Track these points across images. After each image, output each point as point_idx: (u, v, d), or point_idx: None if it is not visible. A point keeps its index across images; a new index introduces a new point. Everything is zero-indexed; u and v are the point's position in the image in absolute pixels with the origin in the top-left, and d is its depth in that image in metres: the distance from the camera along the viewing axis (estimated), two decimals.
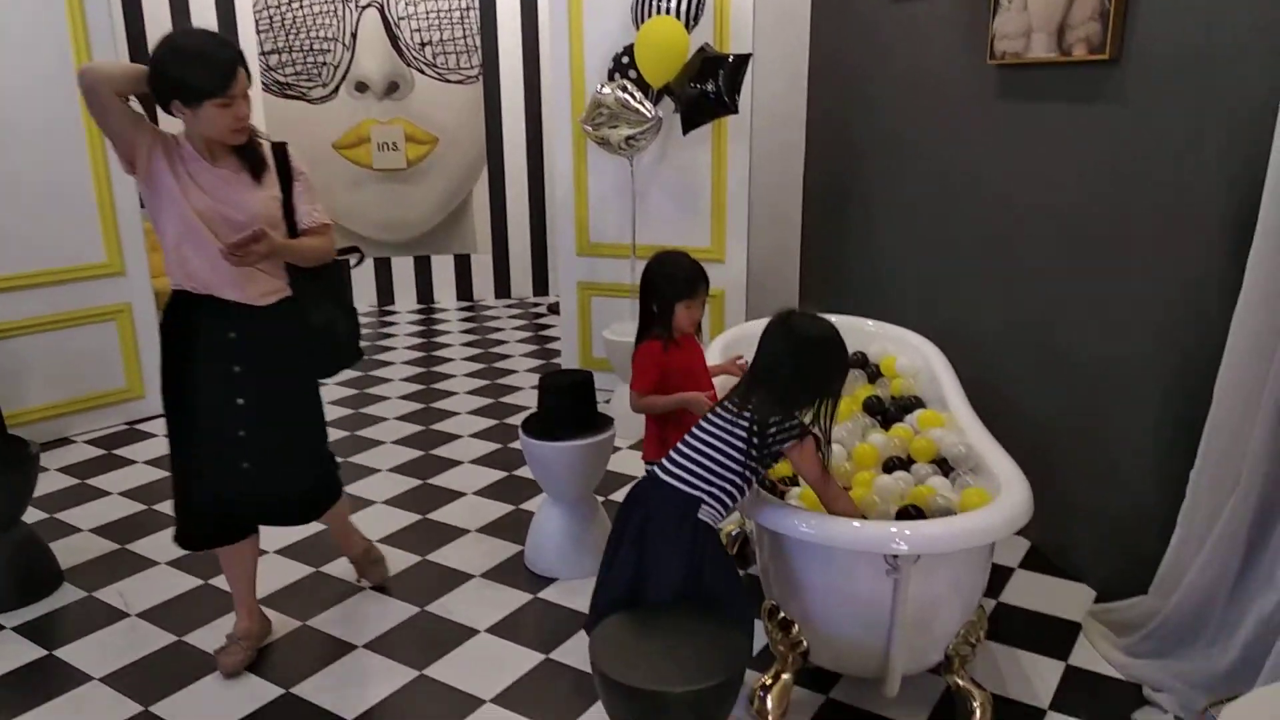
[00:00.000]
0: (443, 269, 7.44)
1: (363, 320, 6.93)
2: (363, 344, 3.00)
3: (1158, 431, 2.82)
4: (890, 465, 2.83)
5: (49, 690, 2.73)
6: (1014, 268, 3.46)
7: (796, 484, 2.74)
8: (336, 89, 6.91)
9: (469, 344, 6.36)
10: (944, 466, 2.79)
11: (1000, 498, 2.36)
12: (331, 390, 5.38)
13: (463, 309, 7.37)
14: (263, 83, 6.77)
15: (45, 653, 2.92)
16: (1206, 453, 2.47)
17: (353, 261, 2.89)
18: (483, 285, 7.54)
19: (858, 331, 3.59)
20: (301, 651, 2.90)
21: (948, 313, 3.92)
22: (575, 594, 3.19)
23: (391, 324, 6.93)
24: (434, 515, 3.81)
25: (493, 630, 3.00)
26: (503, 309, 7.33)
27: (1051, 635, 2.90)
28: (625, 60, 4.48)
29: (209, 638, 2.95)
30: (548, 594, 3.21)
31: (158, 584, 3.31)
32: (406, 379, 5.62)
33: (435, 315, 7.18)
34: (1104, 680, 2.68)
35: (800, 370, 2.29)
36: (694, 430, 2.35)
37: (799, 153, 5.48)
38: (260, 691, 2.71)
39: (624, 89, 4.21)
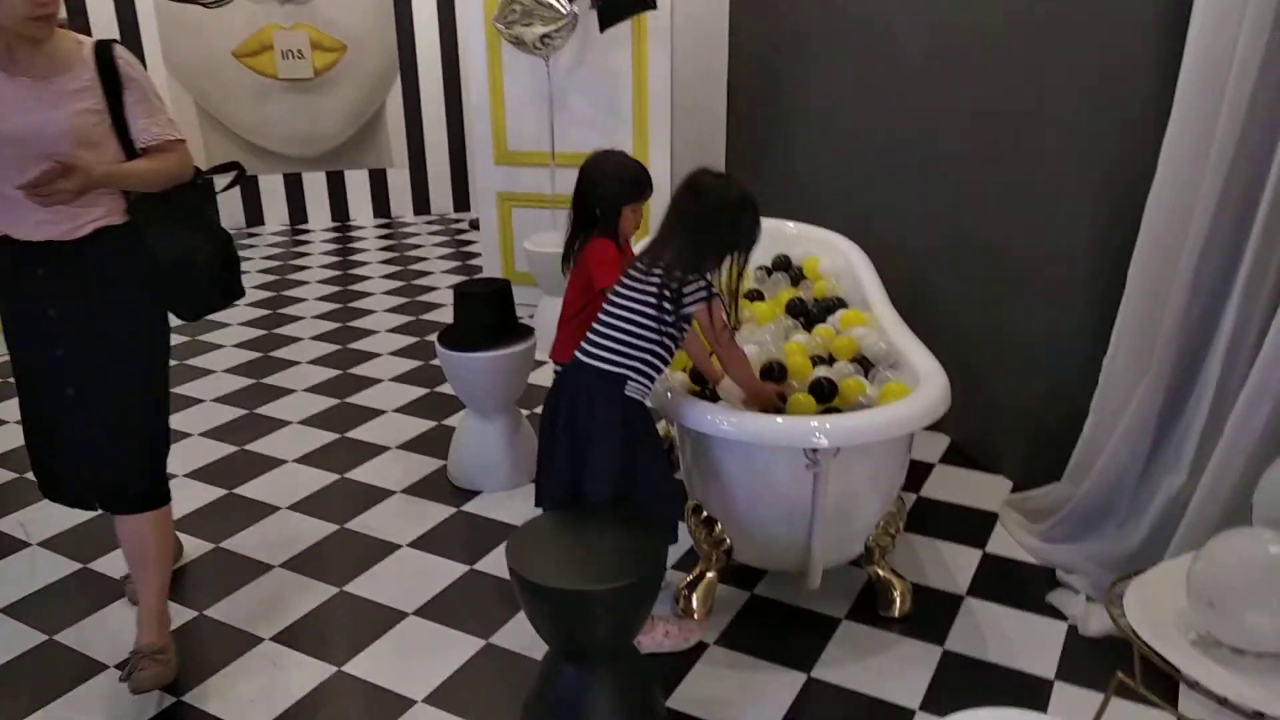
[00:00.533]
0: (358, 185, 7.17)
1: (275, 239, 6.73)
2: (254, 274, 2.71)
3: (1074, 321, 2.85)
4: (816, 361, 2.80)
5: None
6: (931, 160, 3.44)
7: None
8: None
9: (387, 262, 6.17)
10: (865, 365, 2.78)
11: (917, 390, 2.36)
12: (241, 312, 5.18)
13: (380, 226, 7.13)
14: None
15: None
16: (1119, 340, 2.50)
17: (220, 184, 2.47)
18: (400, 202, 7.29)
19: (779, 234, 3.55)
20: (216, 574, 2.81)
21: (870, 214, 3.89)
22: (499, 506, 3.14)
23: (306, 243, 6.68)
24: (353, 434, 3.70)
25: (415, 544, 2.94)
26: (422, 226, 7.11)
27: (970, 525, 2.96)
28: None
29: (115, 564, 2.84)
30: (471, 507, 3.16)
31: (60, 513, 3.16)
32: (322, 298, 5.43)
33: (351, 233, 6.94)
34: (1019, 566, 2.75)
35: (709, 228, 2.21)
36: (605, 305, 2.26)
37: (722, 51, 5.32)
38: (172, 615, 2.61)
39: None
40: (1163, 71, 2.38)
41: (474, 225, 6.95)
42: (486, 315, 3.16)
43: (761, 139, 5.02)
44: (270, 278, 5.83)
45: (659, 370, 2.24)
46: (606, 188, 2.62)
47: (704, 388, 2.65)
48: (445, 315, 5.07)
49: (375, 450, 3.57)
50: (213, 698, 2.30)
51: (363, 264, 6.13)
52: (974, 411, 3.35)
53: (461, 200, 7.42)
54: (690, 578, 2.57)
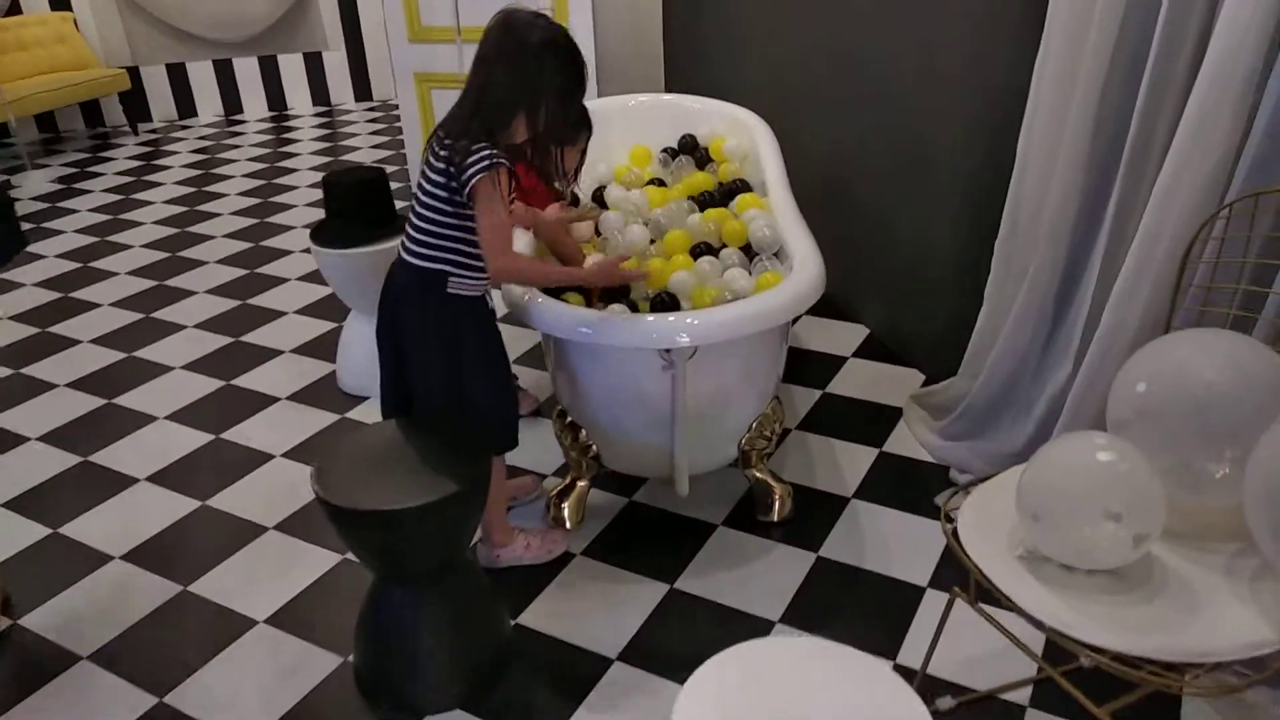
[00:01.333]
0: (293, 71, 6.80)
1: (207, 131, 6.41)
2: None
3: (982, 205, 2.61)
4: (698, 251, 2.59)
5: None
6: (844, 50, 3.13)
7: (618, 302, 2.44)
8: None
9: (318, 153, 5.87)
10: (751, 254, 2.57)
11: (783, 282, 2.15)
12: (156, 209, 4.94)
13: (319, 115, 6.79)
14: None
15: None
16: (1010, 221, 2.28)
17: None
18: (339, 87, 6.93)
19: (683, 110, 3.28)
20: (77, 491, 2.69)
21: (790, 96, 3.59)
22: None
23: (239, 134, 6.37)
24: (248, 338, 3.53)
25: (289, 454, 2.81)
26: (363, 113, 6.77)
27: (873, 423, 2.80)
28: None
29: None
30: (357, 413, 3.01)
31: None
32: (244, 193, 5.18)
33: (287, 123, 6.61)
34: (915, 465, 2.60)
35: (502, 75, 1.81)
36: (416, 191, 1.98)
37: None
38: (26, 533, 2.50)
39: None
40: None
41: None
42: (358, 208, 2.94)
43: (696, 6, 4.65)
44: (193, 173, 5.56)
45: (479, 260, 1.95)
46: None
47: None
48: None
49: (268, 355, 3.40)
50: (51, 618, 2.20)
51: (292, 155, 5.84)
52: (889, 301, 3.16)
53: None
54: (561, 486, 2.44)
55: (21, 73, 5.91)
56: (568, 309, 2.11)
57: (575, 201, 2.75)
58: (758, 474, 2.39)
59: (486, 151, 1.80)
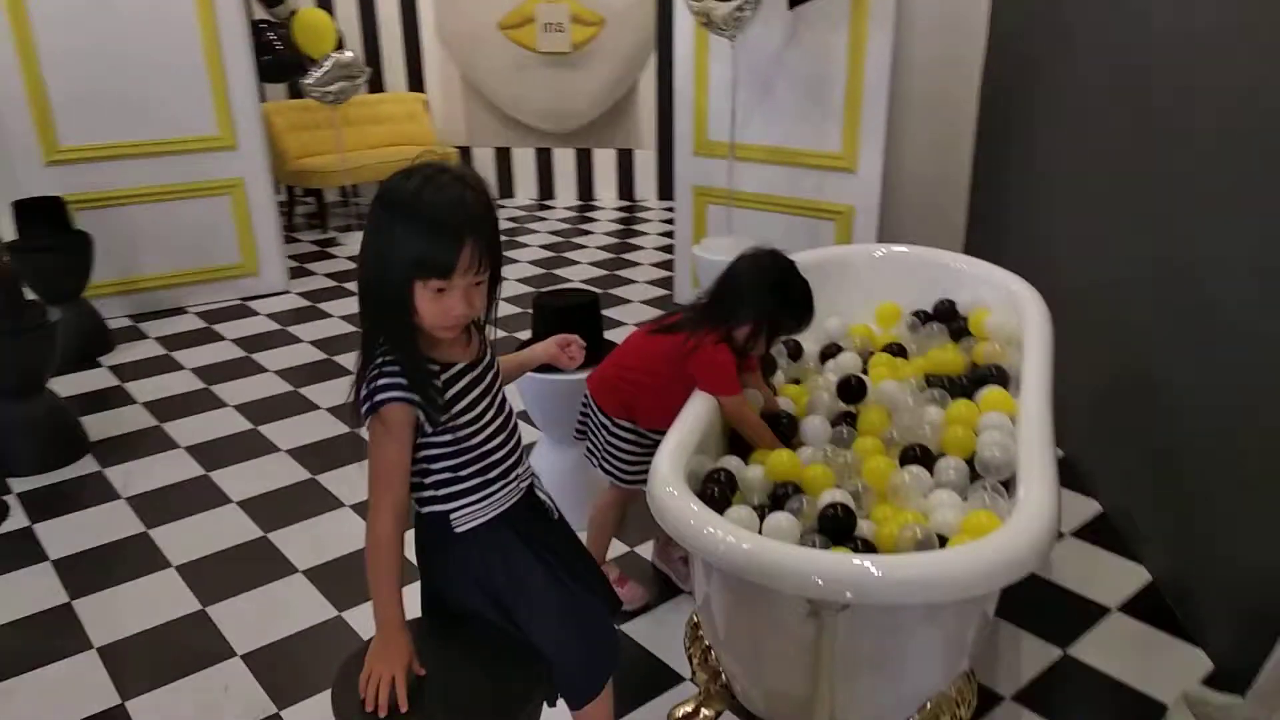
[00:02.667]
0: (604, 164, 7.01)
1: (518, 213, 6.74)
2: None
3: None
4: (908, 456, 2.11)
5: (6, 563, 2.70)
6: (1175, 204, 2.50)
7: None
8: None
9: (604, 247, 5.93)
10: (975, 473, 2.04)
11: (992, 536, 1.63)
12: None
13: (620, 208, 6.92)
14: None
15: (28, 524, 2.91)
16: None
17: None
18: (645, 184, 7.03)
19: (941, 268, 2.79)
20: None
21: (1087, 280, 2.97)
22: None
23: (543, 219, 6.63)
24: None
25: None
26: (661, 210, 6.80)
27: (1123, 718, 2.11)
28: None
29: (174, 536, 2.82)
30: None
31: (163, 469, 3.23)
32: (521, 279, 5.30)
33: (589, 212, 6.79)
34: None
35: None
36: None
37: (976, 34, 4.41)
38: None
39: None
40: None
41: None
42: (563, 332, 2.75)
43: (1005, 151, 4.11)
44: None
45: (444, 486, 1.53)
46: (775, 308, 2.19)
47: None
48: (625, 312, 4.73)
49: None
50: None
51: (579, 246, 5.95)
52: (1185, 550, 2.44)
53: None
54: (683, 712, 2.02)
55: (373, 142, 6.57)
56: (689, 510, 1.71)
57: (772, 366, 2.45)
58: None
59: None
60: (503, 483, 1.57)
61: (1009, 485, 1.95)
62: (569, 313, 2.76)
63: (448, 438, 1.49)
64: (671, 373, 2.21)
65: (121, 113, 4.38)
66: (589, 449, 2.43)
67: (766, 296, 2.15)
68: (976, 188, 4.53)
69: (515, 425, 1.62)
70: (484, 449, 1.53)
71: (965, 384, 2.41)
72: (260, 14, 5.84)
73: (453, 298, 1.40)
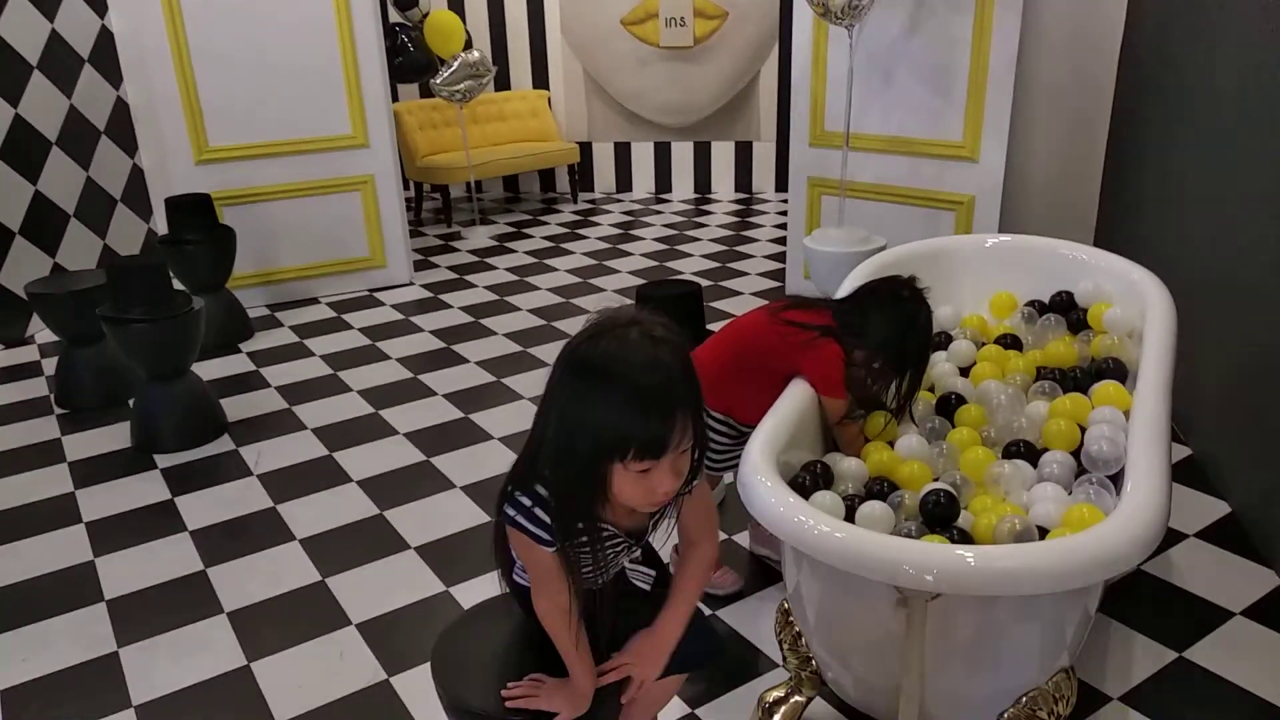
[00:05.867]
0: (723, 157, 7.00)
1: (634, 206, 6.80)
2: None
3: None
4: (1010, 450, 2.04)
5: (149, 534, 2.93)
6: None
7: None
8: None
9: (718, 239, 5.93)
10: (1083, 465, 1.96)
11: (1095, 528, 1.56)
12: (558, 276, 5.29)
13: (737, 200, 6.90)
14: None
15: (169, 497, 3.14)
16: None
17: None
18: (763, 177, 6.99)
19: (1060, 258, 2.68)
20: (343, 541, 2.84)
21: (1219, 271, 2.78)
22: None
23: (658, 212, 6.68)
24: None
25: None
26: (778, 203, 6.75)
27: None
28: None
29: (299, 512, 2.99)
30: None
31: (292, 448, 3.43)
32: (634, 271, 5.36)
33: (705, 205, 6.80)
34: None
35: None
36: None
37: (1114, 18, 4.20)
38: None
39: None
40: None
41: None
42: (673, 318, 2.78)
43: (1141, 138, 3.90)
44: (603, 246, 5.90)
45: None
46: (905, 346, 2.11)
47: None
48: (740, 304, 4.72)
49: None
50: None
51: (693, 239, 5.96)
52: None
53: None
54: (775, 696, 2.02)
55: (498, 139, 6.77)
56: (786, 503, 1.71)
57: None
58: None
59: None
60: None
61: (1117, 481, 1.87)
62: (672, 302, 2.78)
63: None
64: (770, 368, 2.20)
65: (265, 114, 4.66)
66: None
67: (890, 333, 2.08)
68: (1109, 178, 4.31)
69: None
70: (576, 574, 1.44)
71: (1079, 377, 2.32)
72: (395, 17, 6.10)
73: (660, 474, 1.27)
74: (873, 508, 1.82)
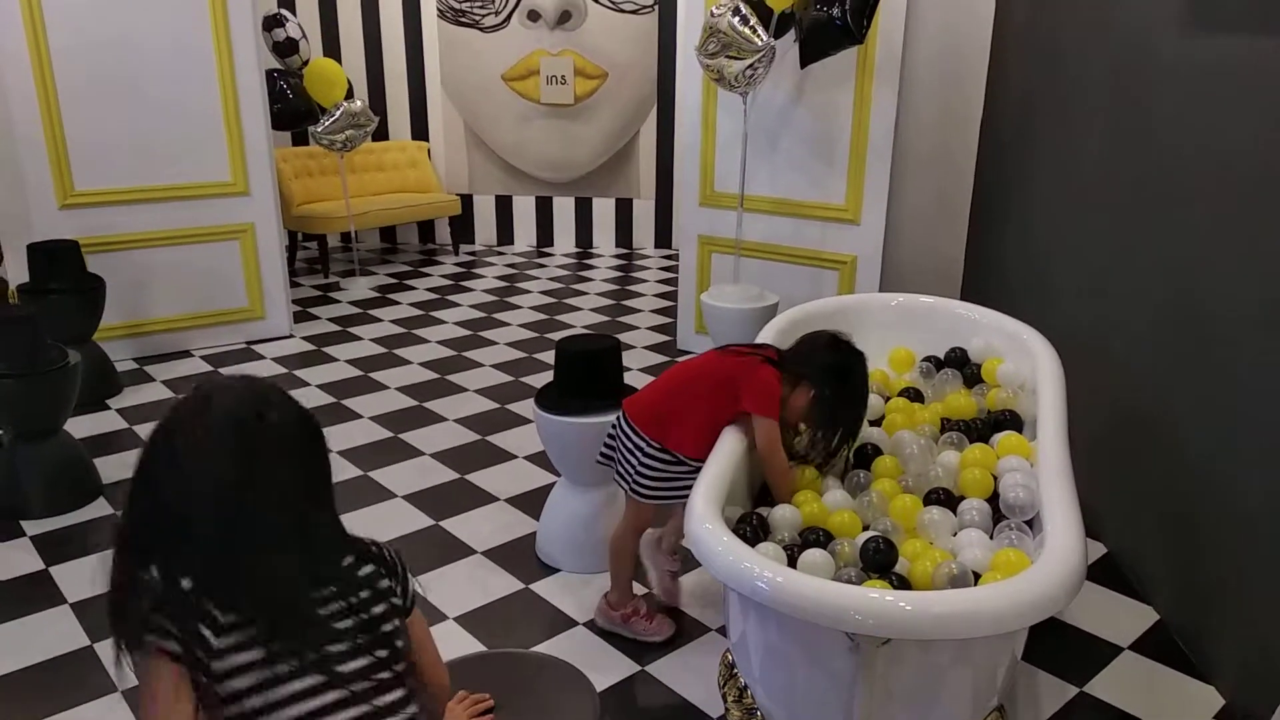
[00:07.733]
0: (604, 213, 7.12)
1: (516, 259, 6.82)
2: None
3: None
4: (931, 497, 2.17)
5: (22, 608, 2.70)
6: (1176, 246, 2.60)
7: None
8: (509, 17, 6.69)
9: (604, 293, 6.01)
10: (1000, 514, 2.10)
11: (1026, 573, 1.68)
12: (447, 330, 5.23)
13: (618, 255, 7.02)
14: (437, 8, 6.68)
15: (42, 567, 2.91)
16: None
17: None
18: (643, 233, 7.15)
19: (953, 317, 2.89)
20: None
21: (1088, 323, 3.07)
22: (568, 593, 2.79)
23: (541, 265, 6.72)
24: (472, 477, 3.51)
25: (461, 620, 2.66)
26: (658, 259, 6.91)
27: None
28: None
29: None
30: (540, 587, 2.83)
31: None
32: (524, 324, 5.36)
33: (588, 259, 6.89)
34: None
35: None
36: None
37: (975, 94, 4.58)
38: None
39: (737, 11, 3.62)
40: None
41: None
42: (586, 377, 2.81)
43: (1000, 197, 4.25)
44: (489, 299, 5.88)
45: None
46: (834, 388, 2.27)
47: None
48: (631, 358, 4.80)
49: (483, 499, 3.34)
50: None
51: (580, 293, 6.02)
52: (1196, 591, 2.50)
53: None
54: None
55: (376, 189, 6.67)
56: (738, 554, 1.77)
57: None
58: None
59: None
60: None
61: (1032, 525, 2.01)
62: (591, 358, 2.81)
63: None
64: (712, 392, 2.30)
65: (138, 156, 4.44)
66: (619, 473, 2.47)
67: (828, 374, 2.24)
68: (974, 238, 4.66)
69: None
70: None
71: (979, 427, 2.49)
72: (272, 63, 5.95)
73: None
74: (814, 555, 1.89)
